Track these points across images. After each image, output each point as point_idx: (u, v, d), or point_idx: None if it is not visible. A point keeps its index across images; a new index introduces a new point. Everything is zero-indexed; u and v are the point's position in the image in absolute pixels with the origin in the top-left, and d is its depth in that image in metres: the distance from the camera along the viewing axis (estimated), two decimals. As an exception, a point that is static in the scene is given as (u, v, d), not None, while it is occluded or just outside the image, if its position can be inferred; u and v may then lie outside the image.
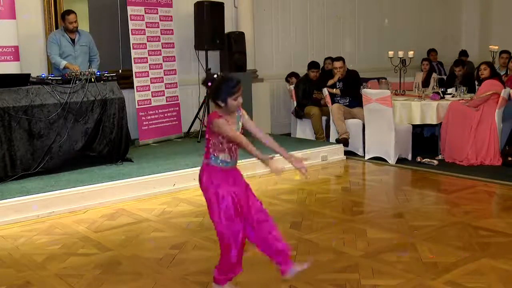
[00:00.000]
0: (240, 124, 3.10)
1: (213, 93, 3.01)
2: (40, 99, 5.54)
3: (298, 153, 6.75)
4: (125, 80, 7.22)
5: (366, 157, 7.12)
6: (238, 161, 3.14)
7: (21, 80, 5.56)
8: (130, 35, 7.34)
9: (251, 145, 2.99)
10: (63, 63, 6.53)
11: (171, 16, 7.85)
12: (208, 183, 3.09)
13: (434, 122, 7.12)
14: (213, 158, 3.06)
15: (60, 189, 5.10)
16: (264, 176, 6.13)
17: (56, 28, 7.01)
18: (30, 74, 5.67)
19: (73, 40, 6.71)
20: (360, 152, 7.36)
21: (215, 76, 3.04)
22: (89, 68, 6.59)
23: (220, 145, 3.03)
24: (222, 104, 2.98)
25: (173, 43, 7.90)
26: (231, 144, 3.04)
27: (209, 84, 3.02)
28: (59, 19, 7.05)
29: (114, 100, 6.08)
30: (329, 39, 10.14)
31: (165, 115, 7.79)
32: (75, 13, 6.64)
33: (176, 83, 7.96)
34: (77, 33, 6.73)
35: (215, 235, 4.26)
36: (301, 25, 9.75)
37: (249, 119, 3.16)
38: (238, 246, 3.13)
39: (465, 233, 4.23)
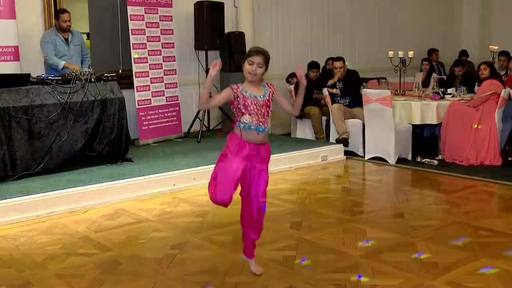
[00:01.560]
0: (267, 95, 3.30)
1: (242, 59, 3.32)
2: (40, 99, 5.54)
3: (298, 153, 6.78)
4: (125, 80, 7.23)
5: (366, 157, 7.12)
6: (265, 132, 3.31)
7: (21, 80, 5.56)
8: (130, 35, 7.34)
9: (204, 91, 3.25)
10: (62, 63, 6.53)
11: (171, 16, 7.85)
12: (226, 145, 3.29)
13: (434, 122, 7.12)
14: (236, 124, 3.27)
15: (60, 189, 5.09)
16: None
17: (57, 27, 7.02)
18: (30, 74, 5.67)
19: (66, 40, 6.71)
20: (360, 152, 7.36)
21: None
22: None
23: (239, 108, 3.25)
24: (243, 68, 3.26)
25: (173, 43, 7.90)
26: (251, 107, 3.23)
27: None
28: (59, 19, 7.07)
29: (114, 100, 6.08)
30: (329, 39, 10.14)
31: (165, 115, 7.79)
32: (69, 13, 6.64)
33: (176, 83, 7.96)
34: (69, 33, 6.73)
35: (215, 235, 4.28)
36: (301, 25, 9.75)
37: (281, 96, 3.43)
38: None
39: (465, 233, 4.23)
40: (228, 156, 3.24)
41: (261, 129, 3.27)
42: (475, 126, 6.60)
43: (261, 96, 3.27)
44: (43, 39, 6.65)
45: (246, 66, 3.23)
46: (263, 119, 3.28)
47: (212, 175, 3.26)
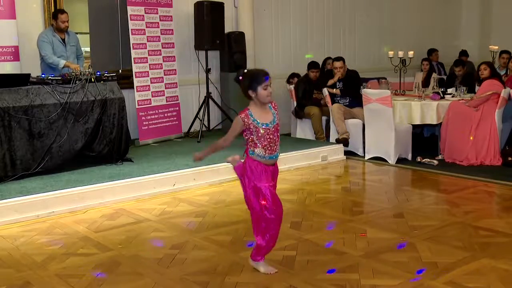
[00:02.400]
0: (276, 118, 3.33)
1: (245, 86, 3.26)
2: (40, 99, 5.54)
3: (298, 153, 6.78)
4: (125, 80, 7.22)
5: (366, 157, 7.12)
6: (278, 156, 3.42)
7: (21, 80, 5.56)
8: (130, 35, 7.34)
9: (220, 142, 3.35)
10: (62, 62, 6.52)
11: (171, 16, 7.85)
12: (248, 173, 3.34)
13: (434, 122, 7.12)
14: (251, 152, 3.32)
15: (60, 189, 5.09)
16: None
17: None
18: (30, 74, 5.67)
19: (63, 40, 6.71)
20: (360, 152, 7.36)
21: (245, 71, 3.34)
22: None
23: (252, 139, 3.30)
24: (253, 94, 3.25)
25: (173, 43, 7.90)
26: (263, 140, 3.27)
27: (241, 78, 3.28)
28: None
29: (114, 100, 6.08)
30: (329, 39, 10.14)
31: (165, 115, 7.79)
32: (67, 13, 6.64)
33: (176, 83, 7.96)
34: (66, 33, 6.73)
35: (215, 235, 4.29)
36: (301, 25, 9.75)
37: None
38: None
39: (465, 233, 4.23)
40: (259, 185, 3.31)
41: (275, 156, 3.37)
42: (471, 138, 6.60)
43: (272, 122, 3.31)
44: (40, 38, 6.63)
45: (263, 92, 3.24)
46: (275, 146, 3.34)
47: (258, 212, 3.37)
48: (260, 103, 3.28)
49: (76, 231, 4.49)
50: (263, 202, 3.31)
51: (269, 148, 3.31)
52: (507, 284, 3.30)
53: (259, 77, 3.24)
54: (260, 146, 3.28)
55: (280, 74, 8.96)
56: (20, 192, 4.96)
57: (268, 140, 3.30)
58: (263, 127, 3.27)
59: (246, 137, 3.32)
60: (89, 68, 6.38)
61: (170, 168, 5.86)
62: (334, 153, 7.13)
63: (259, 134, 3.26)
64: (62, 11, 6.64)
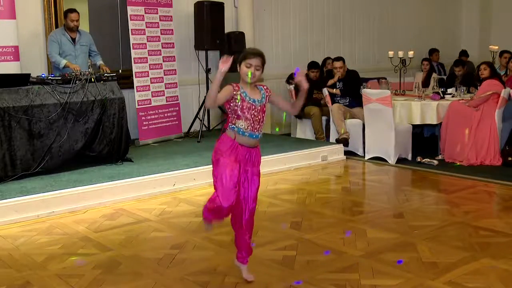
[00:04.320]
0: (264, 99, 3.26)
1: (237, 60, 3.23)
2: (40, 99, 5.54)
3: (298, 153, 6.78)
4: (125, 80, 7.22)
5: (366, 157, 7.12)
6: (259, 138, 3.27)
7: (21, 80, 5.56)
8: (130, 35, 7.34)
9: (213, 88, 3.14)
10: (63, 62, 6.53)
11: (171, 16, 7.85)
12: (215, 148, 3.24)
13: (434, 122, 7.12)
14: (230, 127, 3.22)
15: (60, 189, 5.09)
16: (264, 176, 6.12)
17: (56, 27, 7.01)
18: (30, 74, 5.67)
19: (73, 40, 6.71)
20: (360, 152, 7.36)
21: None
22: (91, 63, 6.68)
23: (235, 111, 3.19)
24: (238, 69, 3.23)
25: (173, 43, 7.90)
26: (248, 113, 3.18)
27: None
28: (59, 19, 7.07)
29: (114, 100, 6.08)
30: (329, 39, 10.14)
31: (165, 115, 7.79)
32: (78, 13, 6.64)
33: (176, 83, 7.96)
34: (77, 32, 6.73)
35: (215, 235, 4.28)
36: (301, 25, 9.75)
37: (276, 95, 3.41)
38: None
39: (465, 233, 4.23)
40: (221, 161, 3.17)
41: (255, 136, 3.23)
42: (466, 132, 6.60)
43: (259, 101, 3.22)
44: (49, 37, 6.69)
45: (244, 69, 3.19)
46: (258, 126, 3.23)
47: (214, 185, 3.21)
48: (245, 82, 3.20)
49: (76, 231, 4.49)
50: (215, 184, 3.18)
51: (252, 125, 3.19)
52: (507, 284, 3.31)
53: (246, 54, 3.20)
54: (243, 118, 3.17)
55: (280, 74, 8.96)
56: (20, 192, 4.96)
57: (252, 116, 3.18)
58: (250, 102, 3.18)
59: (229, 109, 3.20)
60: (89, 68, 6.39)
61: (170, 168, 5.86)
62: (334, 153, 7.13)
63: (244, 107, 3.16)
64: (72, 10, 6.63)
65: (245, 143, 3.22)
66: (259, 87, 3.29)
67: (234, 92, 3.17)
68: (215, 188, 3.19)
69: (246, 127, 3.19)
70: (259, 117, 3.22)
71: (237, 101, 3.16)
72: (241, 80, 3.23)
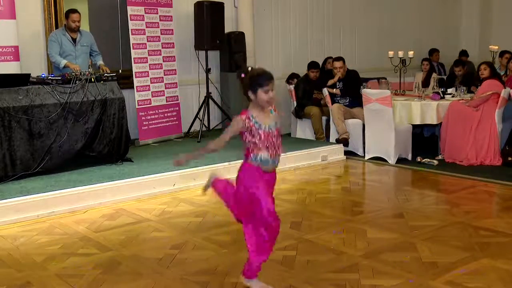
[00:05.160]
0: (278, 124, 3.15)
1: (245, 85, 3.08)
2: (40, 99, 5.54)
3: (298, 153, 6.78)
4: (125, 80, 7.22)
5: (366, 157, 7.12)
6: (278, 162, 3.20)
7: (21, 80, 5.56)
8: (130, 35, 7.34)
9: (210, 145, 3.13)
10: (63, 62, 6.52)
11: (171, 16, 7.86)
12: (244, 183, 3.14)
13: (434, 122, 7.12)
14: (252, 157, 3.12)
15: (60, 189, 5.09)
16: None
17: (56, 27, 7.01)
18: (30, 74, 5.67)
19: (74, 40, 6.70)
20: (360, 152, 7.36)
21: (250, 68, 3.13)
22: (92, 63, 6.67)
23: (254, 143, 3.09)
24: (252, 96, 3.06)
25: (173, 43, 7.90)
26: (267, 142, 3.08)
27: (243, 75, 3.09)
28: (59, 19, 7.06)
29: (114, 100, 6.08)
30: (329, 39, 10.14)
31: (165, 115, 7.79)
32: (79, 13, 6.63)
33: (176, 83, 7.96)
34: (78, 33, 6.73)
35: (215, 235, 4.28)
36: (301, 25, 9.75)
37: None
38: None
39: (465, 233, 4.23)
40: (257, 194, 3.09)
41: (277, 161, 3.19)
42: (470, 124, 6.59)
43: (273, 126, 3.12)
44: (50, 37, 6.68)
45: (262, 95, 3.03)
46: (279, 150, 3.17)
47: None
48: (260, 106, 3.11)
49: (76, 231, 4.49)
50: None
51: (274, 152, 3.13)
52: (507, 284, 3.31)
53: (261, 79, 3.03)
54: (264, 149, 3.09)
55: (280, 74, 8.96)
56: (20, 192, 4.96)
57: (271, 144, 3.11)
58: (265, 130, 3.08)
59: (247, 141, 3.11)
60: (89, 68, 6.38)
61: (170, 168, 5.85)
62: (334, 153, 7.13)
63: (262, 137, 3.07)
64: (74, 11, 6.62)
65: (268, 170, 3.16)
66: (270, 110, 3.19)
67: (247, 126, 3.07)
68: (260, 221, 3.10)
69: (268, 157, 3.12)
70: (278, 142, 3.15)
71: (255, 137, 3.08)
72: (252, 104, 3.10)
